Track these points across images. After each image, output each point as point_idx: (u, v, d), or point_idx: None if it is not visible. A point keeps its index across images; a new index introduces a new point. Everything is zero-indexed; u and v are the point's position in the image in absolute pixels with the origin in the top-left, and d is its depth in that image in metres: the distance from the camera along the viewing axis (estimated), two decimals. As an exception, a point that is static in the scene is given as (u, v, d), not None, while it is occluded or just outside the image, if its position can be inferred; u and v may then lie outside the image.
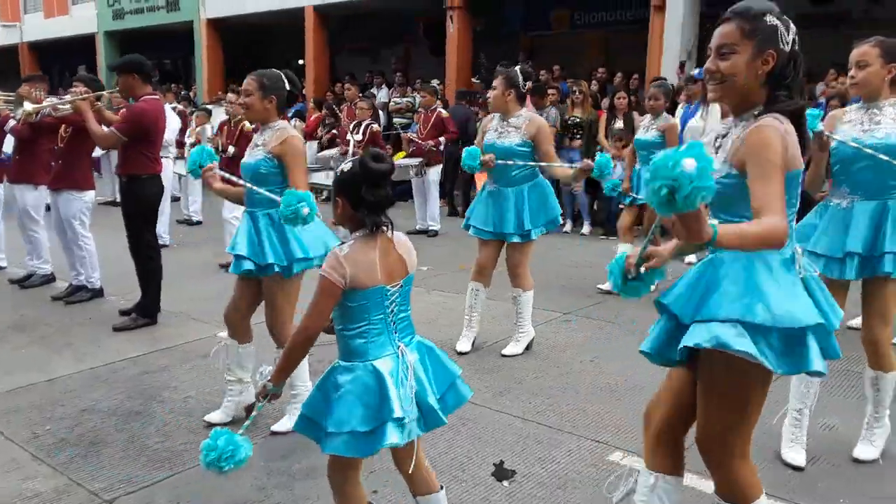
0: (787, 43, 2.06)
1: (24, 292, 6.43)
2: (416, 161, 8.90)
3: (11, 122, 6.20)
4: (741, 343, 1.96)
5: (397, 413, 2.20)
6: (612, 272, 2.02)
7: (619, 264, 2.00)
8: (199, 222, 9.60)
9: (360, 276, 2.24)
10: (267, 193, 3.48)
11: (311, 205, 3.21)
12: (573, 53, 14.76)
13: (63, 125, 5.94)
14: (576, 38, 15.86)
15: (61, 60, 22.72)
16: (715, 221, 1.86)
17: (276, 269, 3.53)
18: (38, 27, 23.09)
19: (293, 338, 2.34)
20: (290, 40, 17.76)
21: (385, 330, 2.31)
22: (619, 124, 9.01)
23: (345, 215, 2.32)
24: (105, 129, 5.35)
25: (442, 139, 9.06)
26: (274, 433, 3.71)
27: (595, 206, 9.32)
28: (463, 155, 4.72)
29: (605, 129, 9.16)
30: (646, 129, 6.21)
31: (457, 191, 10.34)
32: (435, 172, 9.02)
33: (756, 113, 2.08)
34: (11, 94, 6.22)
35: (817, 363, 2.01)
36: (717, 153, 2.15)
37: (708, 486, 2.66)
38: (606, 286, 6.17)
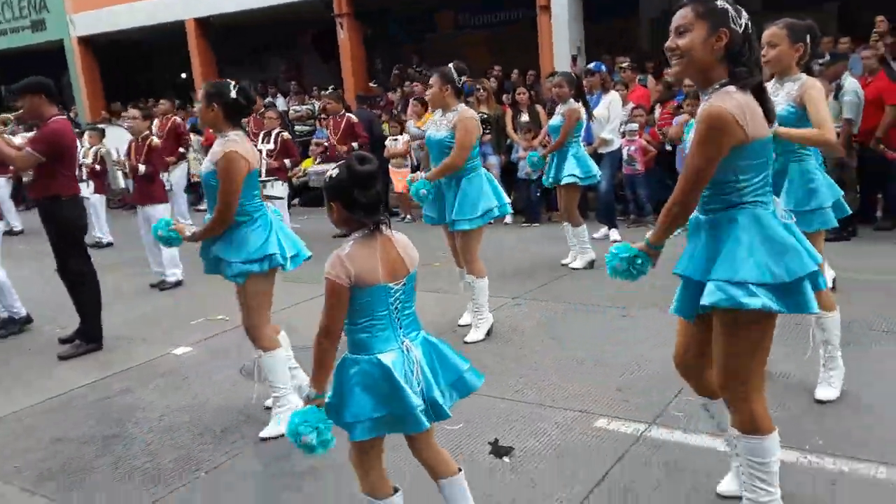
0: (740, 25, 2.33)
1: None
2: (332, 167, 8.87)
3: None
4: (754, 301, 2.26)
5: (417, 402, 2.33)
6: (616, 260, 2.47)
7: (623, 254, 2.46)
8: (109, 244, 9.21)
9: (363, 274, 2.31)
10: None
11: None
12: (461, 54, 15.11)
13: None
14: (462, 38, 16.25)
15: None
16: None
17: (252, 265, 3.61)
18: None
19: (316, 340, 2.37)
20: (171, 55, 17.20)
21: (390, 326, 2.38)
22: (525, 117, 9.43)
23: (341, 218, 2.39)
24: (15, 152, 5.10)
25: (355, 144, 9.11)
26: (264, 439, 3.70)
27: (512, 196, 9.63)
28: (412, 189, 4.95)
29: (512, 123, 9.52)
30: (556, 116, 6.65)
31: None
32: (352, 177, 9.04)
33: (717, 86, 2.33)
34: None
35: (813, 304, 2.33)
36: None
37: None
38: (572, 263, 6.62)
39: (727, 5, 2.33)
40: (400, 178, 9.14)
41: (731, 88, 2.29)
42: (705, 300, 2.32)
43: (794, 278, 2.27)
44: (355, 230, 2.40)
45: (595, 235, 7.91)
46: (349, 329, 2.39)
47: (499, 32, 15.33)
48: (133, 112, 7.35)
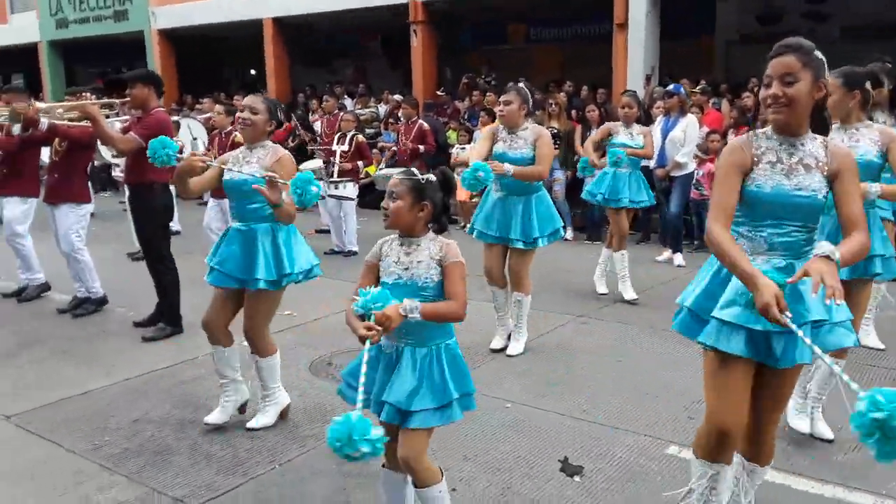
0: (826, 74, 2.39)
1: (24, 307, 6.26)
2: (400, 171, 9.00)
3: None
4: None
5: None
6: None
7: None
8: (177, 232, 9.45)
9: None
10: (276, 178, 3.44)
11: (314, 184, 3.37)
12: (529, 66, 15.13)
13: (57, 139, 5.85)
14: (532, 51, 16.26)
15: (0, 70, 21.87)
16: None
17: (263, 283, 3.63)
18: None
19: (459, 314, 2.57)
20: (244, 51, 17.60)
21: None
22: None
23: (423, 219, 2.61)
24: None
25: (421, 148, 9.20)
26: (250, 429, 3.80)
27: (574, 214, 9.61)
28: (465, 174, 4.56)
29: (580, 140, 9.48)
30: (620, 135, 6.45)
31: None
32: (421, 182, 9.14)
33: (812, 134, 2.44)
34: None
35: None
36: (791, 173, 2.41)
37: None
38: (602, 290, 6.46)
39: (822, 56, 2.37)
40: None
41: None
42: (848, 342, 2.44)
43: None
44: (423, 232, 2.62)
45: (658, 259, 7.85)
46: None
47: (570, 47, 15.30)
48: (218, 108, 7.55)
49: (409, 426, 2.54)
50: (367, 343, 2.36)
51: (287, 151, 3.79)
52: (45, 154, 6.56)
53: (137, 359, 4.90)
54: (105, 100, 5.58)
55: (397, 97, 12.56)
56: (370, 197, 11.32)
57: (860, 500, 3.13)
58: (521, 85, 5.03)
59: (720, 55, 14.22)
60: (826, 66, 2.38)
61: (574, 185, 9.46)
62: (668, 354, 4.94)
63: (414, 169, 2.76)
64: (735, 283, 2.36)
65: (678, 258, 7.69)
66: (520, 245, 4.87)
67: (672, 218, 7.83)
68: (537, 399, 4.25)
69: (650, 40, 11.16)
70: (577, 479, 3.37)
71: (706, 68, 12.86)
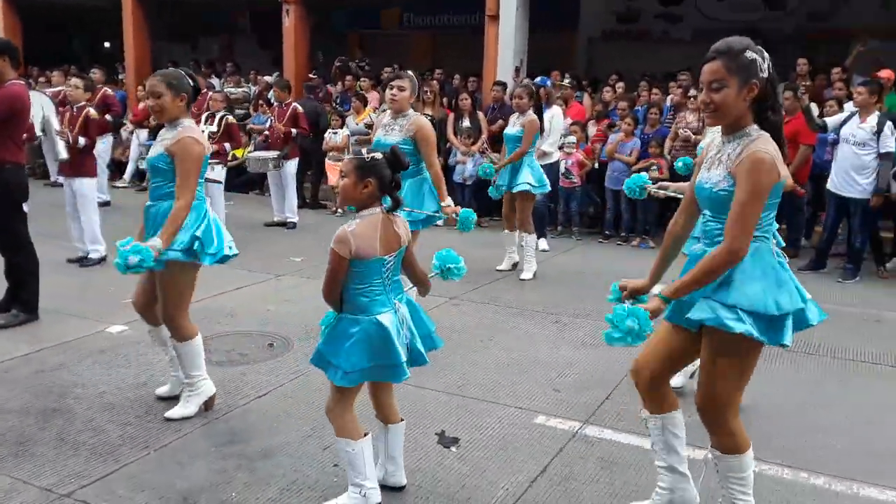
0: (764, 70, 2.45)
1: None
2: (273, 154, 8.86)
3: None
4: (740, 326, 2.41)
5: (404, 358, 2.78)
6: (622, 324, 2.41)
7: (628, 317, 2.41)
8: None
9: (363, 248, 2.71)
10: None
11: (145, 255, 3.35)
12: (402, 52, 15.23)
13: None
14: (405, 37, 16.37)
15: None
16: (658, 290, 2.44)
17: (176, 254, 3.55)
18: None
19: (325, 299, 2.79)
20: (97, 22, 16.58)
21: (384, 291, 2.80)
22: (467, 122, 9.63)
23: (368, 195, 2.74)
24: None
25: (294, 131, 9.09)
26: (168, 419, 3.72)
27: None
28: None
29: (452, 127, 9.71)
30: (512, 125, 6.80)
31: (307, 183, 10.38)
32: (292, 165, 9.02)
33: (749, 131, 2.46)
34: None
35: (788, 338, 2.50)
36: (710, 167, 2.56)
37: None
38: (503, 266, 6.93)
39: (755, 55, 2.41)
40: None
41: (765, 134, 2.43)
42: (694, 315, 2.49)
43: (782, 312, 2.44)
44: (365, 209, 2.75)
45: (523, 243, 8.19)
46: (351, 292, 2.76)
47: (442, 35, 15.52)
48: (75, 81, 7.13)
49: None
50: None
51: (190, 135, 3.60)
52: None
53: (-9, 346, 4.61)
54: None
55: (268, 78, 12.29)
56: (238, 180, 11.05)
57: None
58: (409, 72, 5.18)
59: (581, 50, 14.91)
60: (759, 64, 2.39)
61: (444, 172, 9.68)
62: (534, 332, 5.23)
63: (363, 149, 2.89)
64: None
65: (542, 243, 8.06)
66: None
67: (537, 205, 8.17)
68: (413, 377, 4.36)
69: (520, 33, 11.51)
70: (453, 449, 3.54)
71: (569, 62, 13.45)
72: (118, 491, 3.09)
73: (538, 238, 8.10)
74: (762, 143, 2.42)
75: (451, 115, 9.84)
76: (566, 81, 10.06)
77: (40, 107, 7.94)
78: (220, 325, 5.20)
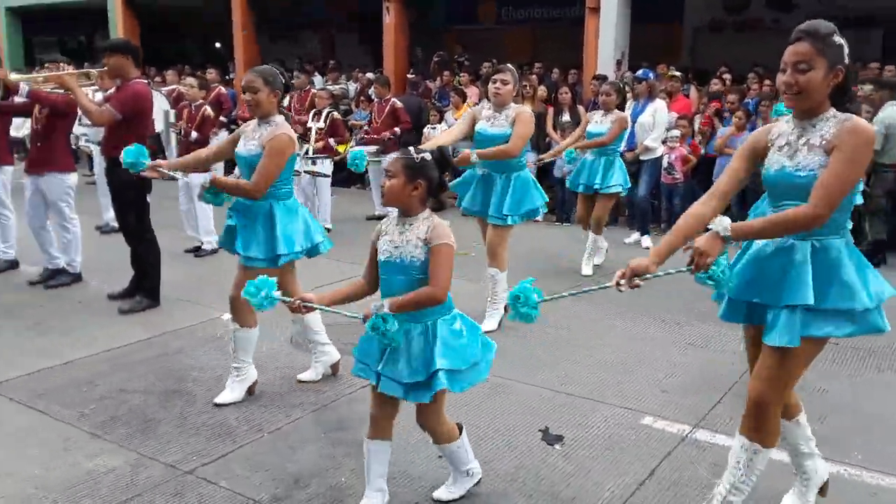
0: (846, 58, 2.36)
1: (-8, 278, 6.17)
2: (373, 149, 9.01)
3: None
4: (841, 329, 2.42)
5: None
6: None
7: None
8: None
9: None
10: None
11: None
12: (500, 47, 15.18)
13: (37, 106, 5.75)
14: (503, 32, 16.30)
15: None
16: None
17: (261, 262, 3.71)
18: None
19: (437, 297, 2.64)
20: (207, 23, 17.30)
21: None
22: (566, 117, 9.50)
23: (417, 197, 2.68)
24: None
25: (397, 129, 9.22)
26: (218, 405, 3.83)
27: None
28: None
29: (552, 122, 9.61)
30: (598, 122, 6.61)
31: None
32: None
33: (834, 114, 2.38)
34: None
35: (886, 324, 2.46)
36: (795, 154, 2.44)
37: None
38: (586, 272, 6.65)
39: (841, 40, 2.34)
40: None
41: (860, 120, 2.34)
42: (818, 332, 2.41)
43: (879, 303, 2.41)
44: (418, 210, 2.68)
45: (626, 241, 8.01)
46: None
47: (540, 29, 15.38)
48: (190, 80, 7.47)
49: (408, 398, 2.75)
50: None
51: (285, 132, 3.72)
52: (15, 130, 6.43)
53: (116, 330, 4.89)
54: (83, 70, 5.49)
55: (369, 75, 12.51)
56: (340, 175, 11.32)
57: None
58: (510, 66, 5.16)
59: (687, 42, 14.44)
60: (845, 50, 2.34)
61: (543, 168, 9.59)
62: (638, 332, 5.11)
63: (411, 148, 2.79)
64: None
65: (646, 240, 7.87)
66: (494, 221, 5.02)
67: (640, 201, 8.00)
68: (518, 372, 4.36)
69: (621, 25, 11.28)
70: (557, 447, 3.50)
71: (674, 54, 13.06)
72: (236, 470, 3.22)
73: (642, 235, 7.93)
74: (861, 120, 2.34)
75: (551, 110, 9.74)
76: (672, 73, 9.75)
77: (159, 105, 8.39)
78: (326, 315, 5.32)
